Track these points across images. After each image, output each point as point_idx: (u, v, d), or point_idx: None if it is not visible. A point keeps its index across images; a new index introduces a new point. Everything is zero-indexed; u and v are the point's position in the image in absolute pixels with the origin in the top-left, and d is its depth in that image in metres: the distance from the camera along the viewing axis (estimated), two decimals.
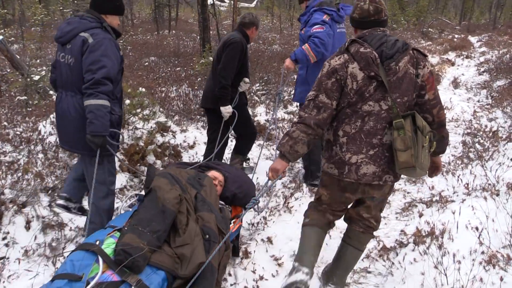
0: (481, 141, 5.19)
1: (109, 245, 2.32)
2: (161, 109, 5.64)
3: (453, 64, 14.82)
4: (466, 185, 3.86)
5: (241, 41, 3.97)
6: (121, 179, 4.39)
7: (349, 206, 2.67)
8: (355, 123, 2.29)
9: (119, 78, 2.99)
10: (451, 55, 16.70)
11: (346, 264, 2.67)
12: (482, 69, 12.56)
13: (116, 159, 3.26)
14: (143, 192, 3.74)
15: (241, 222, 3.18)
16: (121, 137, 3.09)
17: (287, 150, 2.29)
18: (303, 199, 4.09)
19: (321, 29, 3.78)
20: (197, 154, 5.26)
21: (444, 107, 7.03)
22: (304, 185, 4.35)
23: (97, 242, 2.33)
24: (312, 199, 2.83)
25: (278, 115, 6.20)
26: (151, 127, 4.99)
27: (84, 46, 2.73)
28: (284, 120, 6.78)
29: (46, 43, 13.77)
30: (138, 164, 4.72)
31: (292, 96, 4.61)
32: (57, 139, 3.65)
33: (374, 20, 2.31)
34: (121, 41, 12.10)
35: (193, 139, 5.47)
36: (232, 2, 48.36)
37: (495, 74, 10.49)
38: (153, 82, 7.41)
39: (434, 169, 2.62)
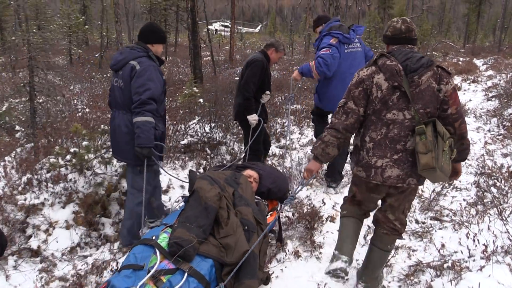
0: (497, 183, 4.48)
1: (163, 240, 2.74)
2: None
3: (459, 89, 14.19)
4: (484, 247, 3.14)
5: (262, 60, 4.54)
6: (73, 237, 3.73)
7: (378, 205, 2.93)
8: (381, 130, 2.53)
9: (163, 98, 3.55)
10: (457, 80, 16.08)
11: (373, 264, 2.90)
12: (490, 95, 11.90)
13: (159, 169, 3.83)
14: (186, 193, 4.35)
15: (277, 213, 3.58)
16: (164, 148, 3.62)
17: (319, 152, 2.64)
18: (287, 263, 3.39)
19: (327, 51, 4.24)
20: (171, 200, 4.59)
21: None
22: (289, 242, 3.65)
23: (153, 238, 2.77)
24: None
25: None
26: (116, 171, 4.35)
27: (132, 72, 3.29)
28: (275, 156, 6.13)
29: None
30: (98, 216, 4.06)
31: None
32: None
33: (405, 37, 2.58)
34: (109, 70, 11.67)
35: (167, 182, 4.81)
36: (229, 27, 48.53)
37: (505, 100, 9.80)
38: None
39: (454, 174, 2.77)
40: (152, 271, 2.48)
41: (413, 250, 3.56)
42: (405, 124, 2.48)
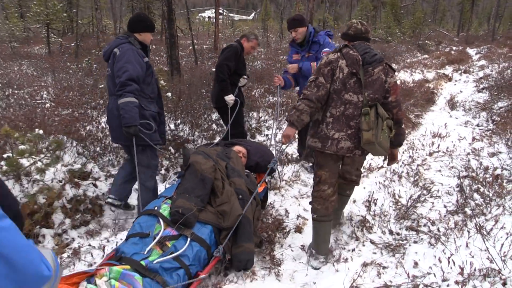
0: (481, 188, 4.08)
1: (165, 209, 2.98)
2: (82, 149, 4.56)
3: (450, 79, 13.79)
4: (460, 270, 2.76)
5: (236, 47, 4.81)
6: None
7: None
8: (340, 108, 2.98)
9: (149, 80, 3.67)
10: (448, 70, 15.68)
11: (339, 205, 3.44)
12: (481, 86, 11.51)
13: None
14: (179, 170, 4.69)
15: (266, 183, 3.95)
16: (154, 127, 3.70)
17: (295, 119, 2.96)
18: (239, 285, 2.98)
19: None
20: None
21: (438, 133, 5.96)
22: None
23: (155, 208, 3.00)
24: None
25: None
26: (61, 178, 3.92)
27: (114, 58, 3.49)
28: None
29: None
30: (38, 227, 3.64)
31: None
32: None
33: (364, 37, 3.13)
34: (86, 58, 11.10)
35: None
36: (223, 15, 47.25)
37: (496, 93, 9.41)
38: (82, 110, 6.32)
39: (391, 159, 3.40)
40: (158, 237, 2.73)
41: (384, 267, 3.16)
42: (358, 105, 2.97)
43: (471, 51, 23.05)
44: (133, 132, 3.43)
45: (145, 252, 2.64)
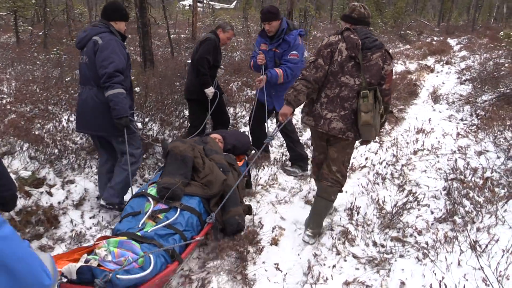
0: (471, 193, 3.81)
1: (151, 190, 3.20)
2: (35, 153, 4.10)
3: (432, 70, 13.61)
4: None
5: (214, 40, 4.73)
6: None
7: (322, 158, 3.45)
8: (335, 89, 3.12)
9: (127, 73, 3.60)
10: (430, 61, 15.52)
11: (318, 212, 3.36)
12: (464, 78, 11.34)
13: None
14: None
15: (245, 160, 4.25)
16: (138, 117, 3.94)
17: (292, 98, 3.10)
18: None
19: (295, 57, 4.37)
20: (84, 215, 3.76)
21: (422, 129, 5.68)
22: (214, 279, 2.89)
23: (143, 190, 3.24)
24: None
25: None
26: None
27: (96, 47, 3.38)
28: None
29: None
30: None
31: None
32: (74, 125, 4.35)
33: (366, 21, 3.19)
34: (55, 48, 10.47)
35: (80, 193, 3.96)
36: (204, 3, 46.21)
37: (479, 86, 9.21)
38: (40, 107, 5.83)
39: (366, 140, 3.41)
40: (149, 212, 2.92)
41: (368, 286, 2.86)
42: (354, 88, 3.07)
43: (452, 42, 23.00)
44: (125, 123, 3.42)
45: (139, 225, 2.82)
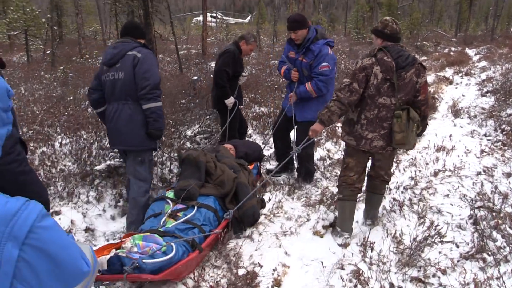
0: (502, 224, 3.33)
1: (170, 194, 3.47)
2: None
3: (451, 82, 13.05)
4: None
5: (234, 51, 4.83)
6: None
7: (367, 167, 3.65)
8: (373, 111, 3.23)
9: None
10: (449, 72, 14.95)
11: (374, 204, 3.73)
12: (485, 90, 10.77)
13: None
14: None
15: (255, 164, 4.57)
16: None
17: (326, 118, 3.24)
18: None
19: (327, 68, 4.20)
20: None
21: (442, 147, 5.21)
22: None
23: (162, 195, 3.51)
24: None
25: None
26: None
27: (135, 60, 3.40)
28: None
29: None
30: None
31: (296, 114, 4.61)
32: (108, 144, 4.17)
33: (398, 37, 3.25)
34: (62, 67, 10.33)
35: (66, 226, 3.63)
36: (218, 19, 46.65)
37: (502, 98, 8.67)
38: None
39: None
40: (169, 211, 3.18)
41: None
42: (391, 108, 3.17)
43: (471, 52, 22.34)
44: (159, 135, 3.59)
45: (161, 223, 3.07)
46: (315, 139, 4.18)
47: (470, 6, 33.42)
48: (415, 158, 5.77)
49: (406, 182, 4.76)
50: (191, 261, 2.82)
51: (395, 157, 5.26)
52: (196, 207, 3.22)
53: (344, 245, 3.41)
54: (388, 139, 3.25)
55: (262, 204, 3.90)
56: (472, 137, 6.90)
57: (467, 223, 3.64)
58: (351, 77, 3.20)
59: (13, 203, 0.88)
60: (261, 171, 4.94)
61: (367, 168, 3.64)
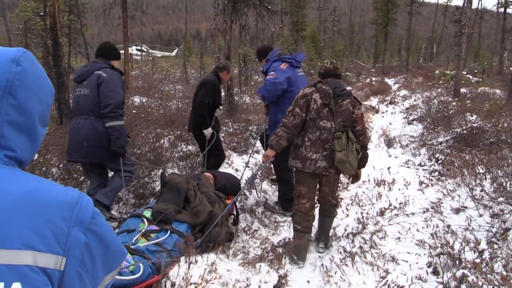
0: (468, 275, 2.91)
1: (147, 213, 3.53)
2: None
3: (377, 111, 13.35)
4: None
5: (214, 81, 5.15)
6: None
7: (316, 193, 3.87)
8: (316, 133, 3.55)
9: (123, 106, 3.92)
10: (374, 101, 15.41)
11: (326, 228, 3.97)
12: (410, 118, 11.03)
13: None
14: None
15: (233, 198, 4.47)
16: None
17: (274, 143, 3.59)
18: None
19: (271, 76, 4.57)
20: None
21: (383, 180, 4.86)
22: None
23: (139, 212, 3.56)
24: None
25: None
26: None
27: (99, 80, 3.70)
28: None
29: None
30: None
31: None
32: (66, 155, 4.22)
33: (333, 73, 3.72)
34: None
35: None
36: (144, 52, 45.47)
37: (431, 126, 8.78)
38: None
39: (355, 178, 3.98)
40: (143, 230, 3.29)
41: None
42: (331, 131, 3.53)
43: (390, 81, 23.59)
44: (122, 152, 3.83)
45: (133, 241, 3.15)
46: (268, 164, 4.39)
47: (386, 38, 35.77)
48: (357, 194, 5.39)
49: (352, 224, 4.30)
50: (152, 283, 2.89)
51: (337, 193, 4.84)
52: (169, 232, 3.32)
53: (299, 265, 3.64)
54: (330, 160, 3.52)
55: (230, 237, 3.91)
56: (408, 167, 6.75)
57: (427, 273, 3.20)
58: (294, 103, 3.62)
59: (73, 191, 0.92)
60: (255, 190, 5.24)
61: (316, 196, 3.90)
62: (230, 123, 8.83)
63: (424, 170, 6.44)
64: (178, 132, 7.16)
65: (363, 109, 13.73)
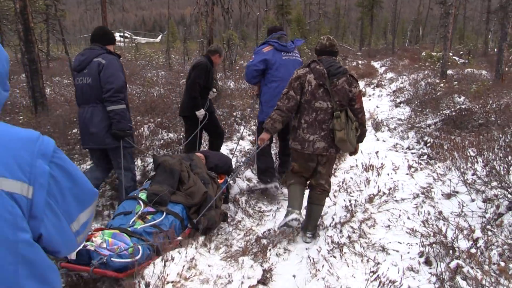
0: (464, 265, 2.74)
1: (142, 195, 3.58)
2: None
3: (364, 94, 13.16)
4: None
5: (206, 64, 5.15)
6: None
7: (311, 174, 3.84)
8: (312, 115, 3.57)
9: (124, 90, 3.91)
10: (361, 84, 15.19)
11: (314, 216, 3.86)
12: (398, 100, 10.87)
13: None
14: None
15: (225, 177, 4.70)
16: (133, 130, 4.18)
17: (269, 126, 3.64)
18: None
19: (251, 60, 4.85)
20: None
21: (371, 165, 4.68)
22: None
23: (135, 194, 3.63)
24: None
25: None
26: None
27: (99, 67, 3.72)
28: None
29: None
30: None
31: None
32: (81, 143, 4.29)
33: (329, 51, 3.66)
34: None
35: None
36: (128, 38, 44.53)
37: (419, 109, 8.62)
38: None
39: (353, 153, 3.98)
40: (139, 212, 3.35)
41: None
42: (328, 111, 3.54)
43: (376, 64, 23.40)
44: (123, 135, 3.84)
45: (130, 223, 3.22)
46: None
47: (372, 21, 35.50)
48: (344, 180, 5.21)
49: (340, 213, 4.11)
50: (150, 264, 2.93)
51: None
52: (165, 213, 3.36)
53: (297, 221, 3.65)
54: (329, 140, 3.56)
55: (225, 217, 3.97)
56: (397, 151, 6.59)
57: (419, 264, 3.02)
58: (288, 86, 3.63)
59: (34, 131, 0.99)
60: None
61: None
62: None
63: (412, 153, 6.30)
64: (159, 119, 6.87)
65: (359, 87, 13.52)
